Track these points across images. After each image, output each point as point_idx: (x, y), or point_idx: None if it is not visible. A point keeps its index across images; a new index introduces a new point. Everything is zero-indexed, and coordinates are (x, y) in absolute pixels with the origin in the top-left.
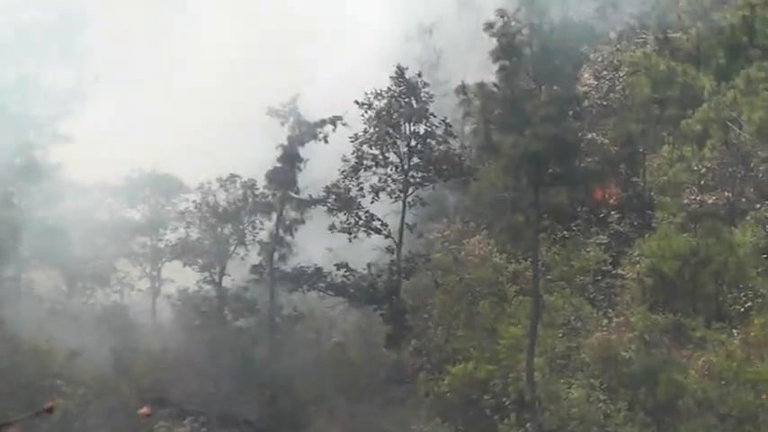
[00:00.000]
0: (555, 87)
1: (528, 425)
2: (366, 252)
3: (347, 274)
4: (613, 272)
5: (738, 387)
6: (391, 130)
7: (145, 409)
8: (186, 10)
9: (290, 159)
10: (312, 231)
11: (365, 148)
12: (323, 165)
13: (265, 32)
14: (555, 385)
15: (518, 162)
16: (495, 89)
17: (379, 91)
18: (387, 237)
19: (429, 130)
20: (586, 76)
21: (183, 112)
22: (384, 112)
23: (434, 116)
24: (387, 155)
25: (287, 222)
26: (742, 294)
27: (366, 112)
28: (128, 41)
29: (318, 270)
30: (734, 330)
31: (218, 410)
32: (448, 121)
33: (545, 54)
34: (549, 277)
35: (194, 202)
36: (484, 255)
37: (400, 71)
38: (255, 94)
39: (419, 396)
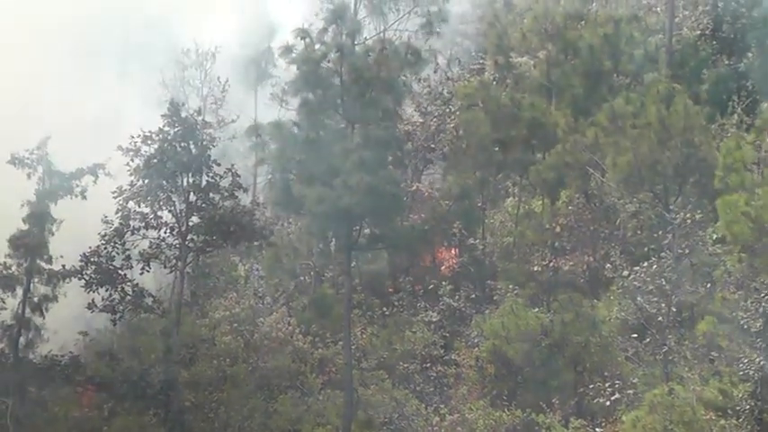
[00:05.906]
0: (370, 126)
1: None
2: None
3: (111, 364)
4: (446, 357)
5: None
6: (165, 183)
7: None
8: None
9: (39, 220)
10: (68, 310)
11: (132, 204)
12: (82, 227)
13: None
14: None
15: (325, 221)
16: (295, 129)
17: (148, 133)
18: (161, 316)
19: (212, 181)
20: (410, 111)
21: None
22: (155, 160)
23: (218, 164)
24: (159, 213)
25: (35, 299)
26: (607, 384)
27: (132, 159)
28: None
29: (75, 359)
30: (597, 429)
31: None
32: (236, 169)
33: (358, 85)
34: (364, 365)
35: None
36: (283, 337)
37: (174, 108)
38: None
39: None
